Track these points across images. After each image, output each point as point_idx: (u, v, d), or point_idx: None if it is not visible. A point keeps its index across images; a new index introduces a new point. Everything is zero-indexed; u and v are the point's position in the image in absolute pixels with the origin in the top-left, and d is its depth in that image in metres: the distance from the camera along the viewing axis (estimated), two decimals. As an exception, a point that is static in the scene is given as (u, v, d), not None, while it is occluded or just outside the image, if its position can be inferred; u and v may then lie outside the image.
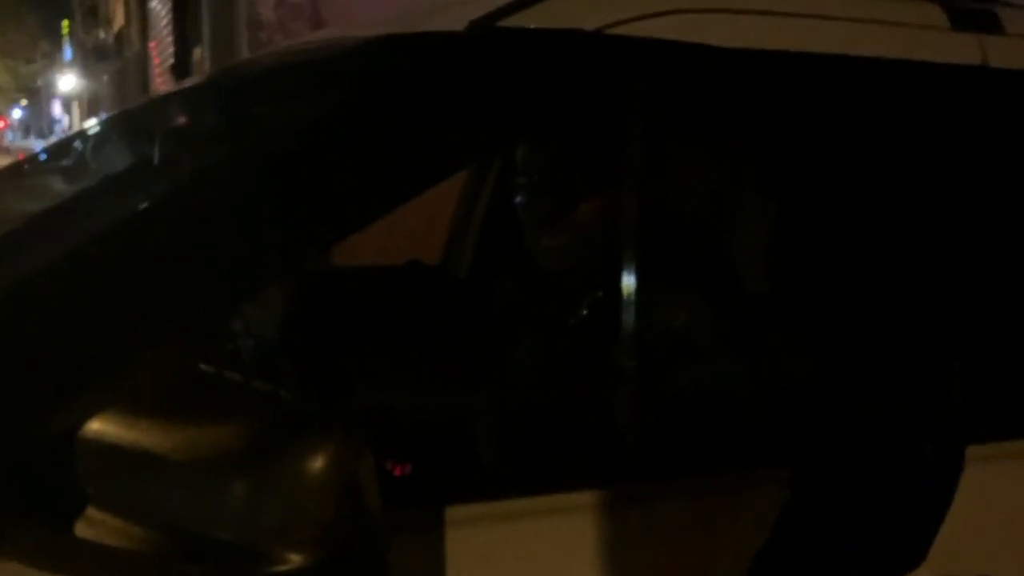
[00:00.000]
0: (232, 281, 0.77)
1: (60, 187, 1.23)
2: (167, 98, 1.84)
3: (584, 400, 1.02)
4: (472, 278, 1.69)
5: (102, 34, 19.13)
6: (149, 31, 9.41)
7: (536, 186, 1.19)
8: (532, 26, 0.91)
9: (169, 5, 6.63)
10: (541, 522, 0.86)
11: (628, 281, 0.95)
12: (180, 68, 5.90)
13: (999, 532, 1.04)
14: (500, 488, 0.88)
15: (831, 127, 1.05)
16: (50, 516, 0.65)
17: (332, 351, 1.19)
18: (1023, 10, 1.20)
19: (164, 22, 7.44)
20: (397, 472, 0.94)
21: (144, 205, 0.83)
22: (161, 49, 7.92)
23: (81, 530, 0.65)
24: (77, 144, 1.46)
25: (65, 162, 1.35)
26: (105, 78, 19.63)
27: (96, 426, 0.66)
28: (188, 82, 2.36)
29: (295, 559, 0.64)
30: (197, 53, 5.47)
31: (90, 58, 21.91)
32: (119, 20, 14.86)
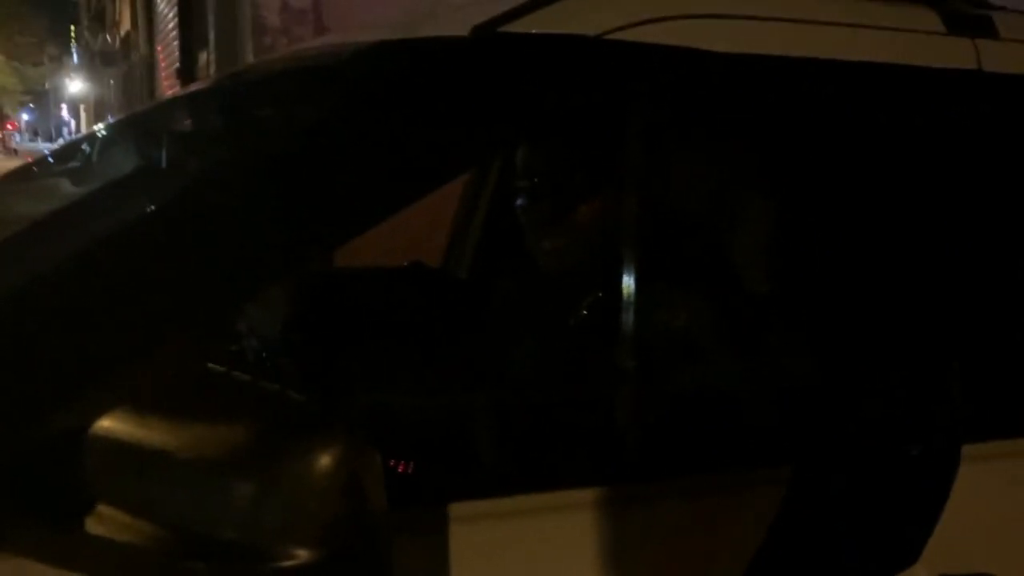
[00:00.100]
0: (238, 282, 0.78)
1: (71, 189, 1.24)
2: (173, 102, 1.86)
3: (585, 400, 1.03)
4: (473, 279, 1.70)
5: (108, 38, 19.19)
6: (155, 35, 9.45)
7: (537, 189, 1.20)
8: (534, 31, 0.92)
9: (175, 10, 6.65)
10: (542, 519, 0.86)
11: (628, 282, 0.96)
12: (186, 72, 5.92)
13: (998, 530, 1.04)
14: (502, 486, 0.89)
15: (828, 131, 1.06)
16: (59, 513, 0.66)
17: (335, 351, 1.20)
18: (1018, 14, 1.20)
19: (170, 27, 7.47)
20: (400, 470, 0.94)
21: (151, 207, 0.85)
22: (167, 53, 7.95)
23: (91, 526, 0.66)
24: (85, 147, 1.47)
25: (74, 165, 1.36)
26: (112, 82, 19.69)
27: (106, 424, 0.67)
28: (194, 86, 2.38)
29: (300, 557, 0.65)
30: (202, 57, 5.49)
31: (97, 62, 21.98)
32: (125, 24, 14.90)
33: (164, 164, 1.12)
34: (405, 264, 1.63)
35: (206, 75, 5.21)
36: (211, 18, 4.76)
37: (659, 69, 0.95)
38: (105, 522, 0.66)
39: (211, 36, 4.79)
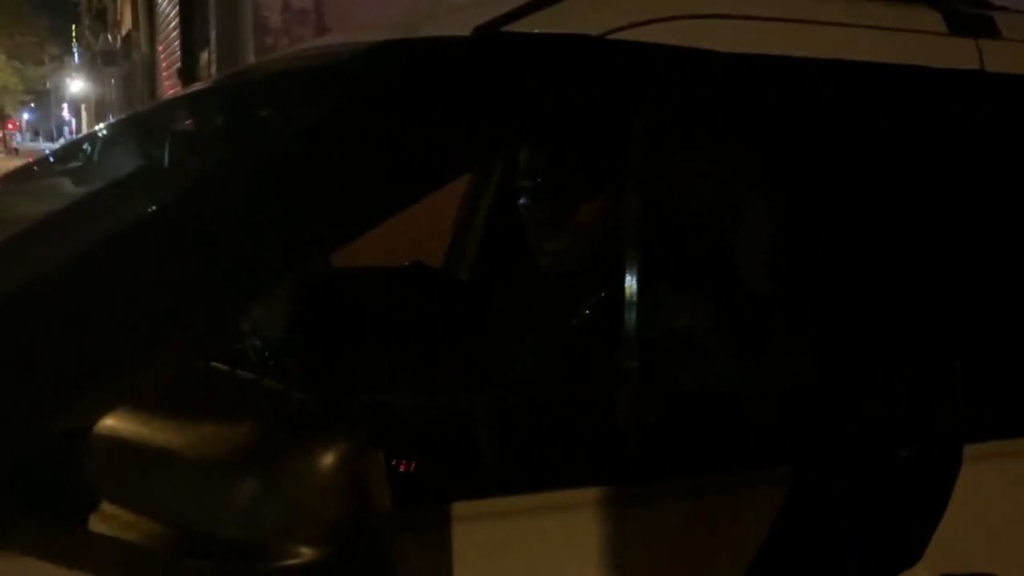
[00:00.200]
0: (240, 282, 0.78)
1: (73, 189, 1.25)
2: (174, 102, 1.86)
3: (587, 400, 1.03)
4: (475, 279, 1.70)
5: (110, 38, 19.20)
6: (156, 35, 9.45)
7: (539, 188, 1.21)
8: (536, 31, 0.92)
9: (176, 9, 6.66)
10: (543, 519, 0.87)
11: (630, 282, 0.96)
12: (187, 72, 5.92)
13: (1000, 530, 1.04)
14: (503, 485, 0.89)
15: (831, 131, 1.06)
16: (62, 512, 0.66)
17: (336, 351, 1.20)
18: (1019, 15, 1.20)
19: (171, 26, 7.48)
20: (402, 470, 0.95)
21: (153, 207, 0.85)
22: (168, 53, 7.96)
23: (95, 525, 0.66)
24: (87, 147, 1.48)
25: (75, 165, 1.36)
26: (113, 81, 19.71)
27: (110, 423, 0.67)
28: (195, 86, 2.38)
29: (303, 556, 0.65)
30: (204, 57, 5.49)
31: (98, 61, 21.99)
32: (127, 24, 14.90)
33: (166, 164, 1.12)
34: (406, 264, 1.64)
35: (207, 75, 5.22)
36: (212, 18, 4.76)
37: (662, 69, 0.95)
38: (108, 521, 0.66)
39: (212, 36, 4.79)
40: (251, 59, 3.92)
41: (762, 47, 0.98)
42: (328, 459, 0.66)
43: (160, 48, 8.99)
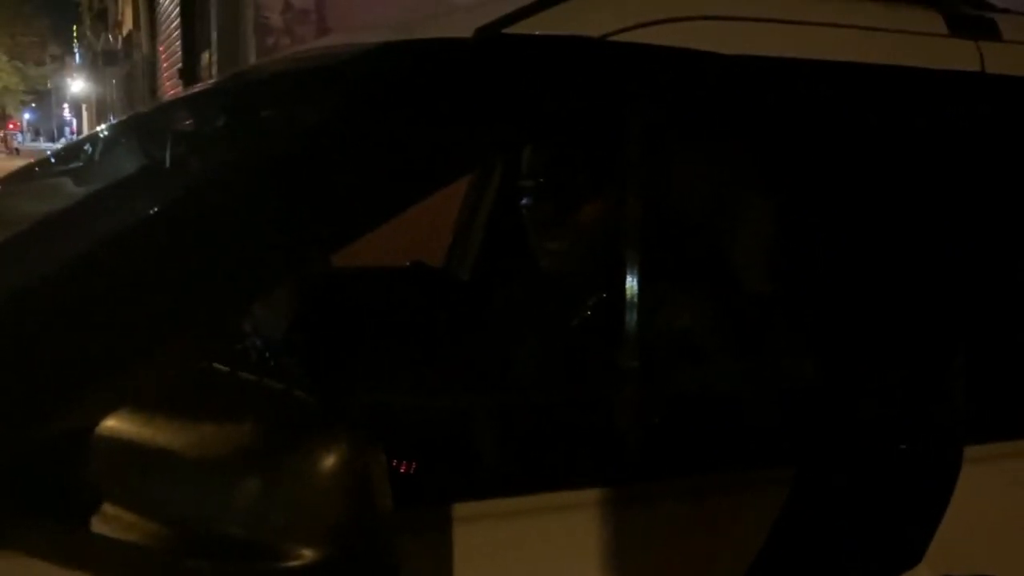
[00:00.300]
0: (241, 283, 0.78)
1: (75, 189, 1.25)
2: (176, 103, 1.86)
3: (588, 400, 1.03)
4: (476, 280, 1.70)
5: (111, 38, 19.21)
6: (158, 35, 9.46)
7: (540, 189, 1.21)
8: (538, 33, 0.93)
9: (177, 10, 6.66)
10: (545, 520, 0.87)
11: (631, 283, 0.96)
12: (188, 72, 5.93)
13: (1000, 531, 1.04)
14: (504, 486, 0.89)
15: (831, 132, 1.06)
16: (64, 512, 0.67)
17: (337, 351, 1.20)
18: (1020, 16, 1.20)
19: (172, 26, 7.48)
20: (403, 471, 0.95)
21: (155, 208, 0.85)
22: (169, 53, 7.96)
23: (96, 525, 0.66)
24: (88, 148, 1.48)
25: (77, 165, 1.36)
26: (114, 81, 19.71)
27: (111, 423, 0.67)
28: (196, 87, 2.38)
29: (305, 557, 0.65)
30: (205, 58, 5.50)
31: (99, 62, 22.00)
32: (128, 24, 14.91)
33: (168, 165, 1.13)
34: (407, 264, 1.64)
35: (208, 75, 5.22)
36: (213, 18, 4.76)
37: (663, 71, 0.95)
38: (110, 521, 0.66)
39: (213, 36, 4.79)
40: (252, 59, 3.93)
41: (762, 49, 0.98)
42: (329, 459, 0.66)
43: (161, 48, 9.00)
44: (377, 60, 1.06)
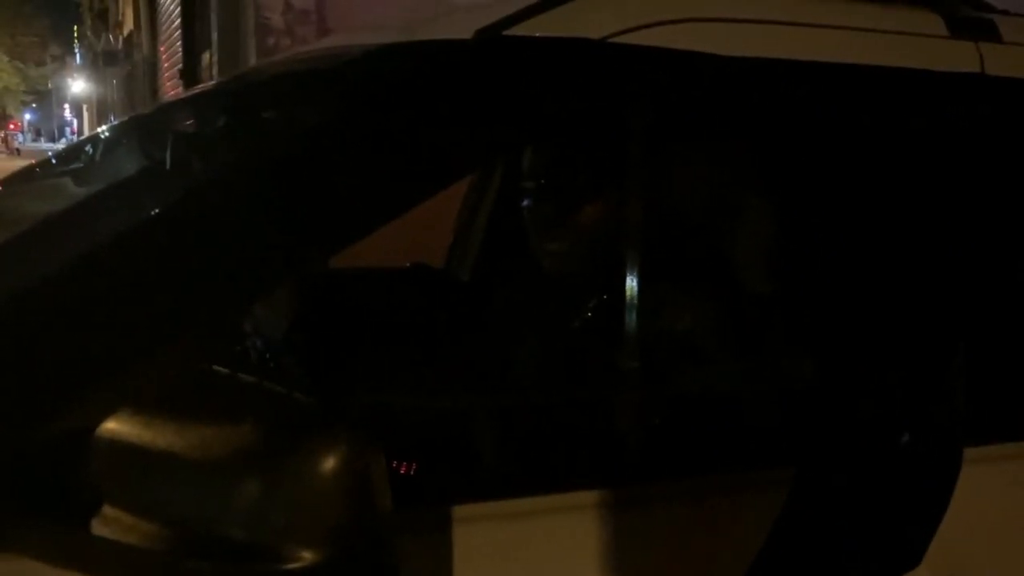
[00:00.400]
0: (242, 284, 0.78)
1: (76, 190, 1.25)
2: (176, 104, 1.87)
3: (588, 402, 1.03)
4: (476, 280, 1.70)
5: (111, 38, 19.22)
6: (158, 36, 9.47)
7: (541, 190, 1.21)
8: (538, 34, 0.93)
9: (178, 10, 6.67)
10: (545, 521, 0.87)
11: (631, 284, 0.97)
12: (188, 73, 5.93)
13: (1000, 533, 1.04)
14: (505, 488, 0.89)
15: (831, 133, 1.06)
16: (64, 514, 0.67)
17: (337, 352, 1.20)
18: (1020, 18, 1.20)
19: (173, 27, 7.49)
20: (403, 472, 0.95)
21: (156, 209, 0.85)
22: (170, 54, 7.97)
23: (96, 527, 0.66)
24: (89, 149, 1.48)
25: (78, 166, 1.37)
26: (114, 82, 19.73)
27: (111, 425, 0.67)
28: (197, 89, 2.38)
29: (305, 558, 0.65)
30: (205, 58, 5.50)
31: (99, 62, 22.01)
32: (128, 24, 14.92)
33: (168, 166, 1.13)
34: (407, 265, 1.64)
35: (209, 76, 5.23)
36: (214, 19, 4.77)
37: (663, 72, 0.95)
38: (110, 523, 0.66)
39: (214, 37, 4.80)
40: (253, 60, 3.93)
41: (762, 50, 0.98)
42: (329, 461, 0.66)
43: (162, 49, 9.00)
44: (378, 61, 1.06)
